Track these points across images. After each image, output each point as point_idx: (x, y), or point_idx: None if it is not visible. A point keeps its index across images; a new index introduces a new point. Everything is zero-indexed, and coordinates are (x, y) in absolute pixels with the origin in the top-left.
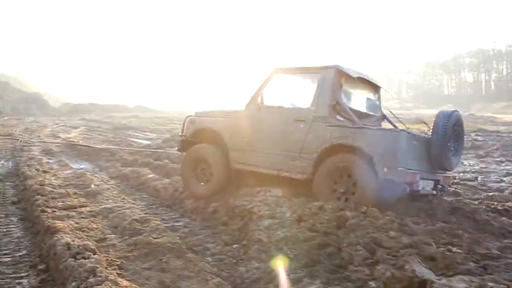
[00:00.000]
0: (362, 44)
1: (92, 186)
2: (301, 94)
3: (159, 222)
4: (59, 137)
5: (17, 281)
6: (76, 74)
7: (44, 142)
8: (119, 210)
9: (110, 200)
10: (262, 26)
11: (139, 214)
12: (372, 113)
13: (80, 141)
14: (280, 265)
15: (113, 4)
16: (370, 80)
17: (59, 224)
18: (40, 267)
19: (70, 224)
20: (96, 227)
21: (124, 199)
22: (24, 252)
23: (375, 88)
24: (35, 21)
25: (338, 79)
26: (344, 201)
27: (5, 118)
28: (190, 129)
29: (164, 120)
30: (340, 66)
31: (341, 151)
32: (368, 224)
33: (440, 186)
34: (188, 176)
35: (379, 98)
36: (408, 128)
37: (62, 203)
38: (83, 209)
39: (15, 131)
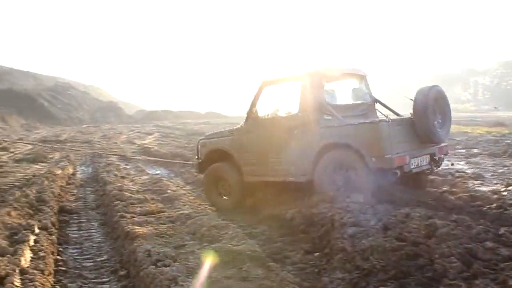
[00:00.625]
0: (435, 45)
1: (169, 191)
2: (289, 102)
3: (237, 229)
4: (135, 143)
5: (100, 286)
6: (150, 82)
7: (120, 151)
8: (196, 216)
9: (187, 206)
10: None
11: (217, 220)
12: (361, 101)
13: (155, 147)
14: None
15: (185, 13)
16: (352, 71)
17: (138, 230)
18: (121, 273)
19: (149, 230)
20: (175, 233)
21: (200, 204)
22: (105, 257)
23: (359, 77)
24: (111, 33)
25: (319, 81)
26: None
27: (84, 126)
28: (203, 152)
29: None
30: (318, 69)
31: (334, 148)
32: (460, 233)
33: (436, 158)
34: (211, 193)
35: (366, 85)
36: (387, 116)
37: (140, 209)
38: (161, 214)
39: (94, 138)
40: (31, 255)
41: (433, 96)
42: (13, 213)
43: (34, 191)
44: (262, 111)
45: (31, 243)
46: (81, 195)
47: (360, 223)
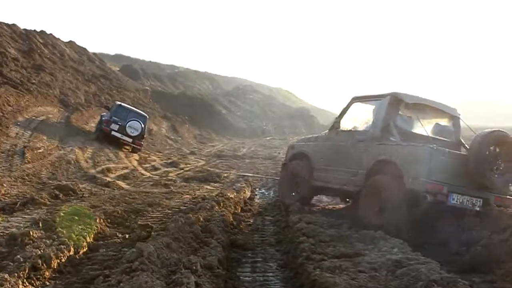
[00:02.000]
0: None
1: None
2: (367, 119)
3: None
4: None
5: None
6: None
7: None
8: (410, 264)
9: (396, 249)
10: None
11: (440, 273)
12: (441, 138)
13: None
14: None
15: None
16: (441, 108)
17: (329, 278)
18: None
19: (344, 280)
20: (379, 286)
21: (413, 245)
22: None
23: (449, 116)
24: (300, 34)
25: (394, 105)
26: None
27: (268, 138)
28: (289, 153)
29: None
30: (397, 93)
31: (384, 165)
32: None
33: (490, 205)
34: (283, 187)
35: (454, 125)
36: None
37: (333, 248)
38: (360, 258)
39: (279, 153)
40: None
41: (490, 141)
42: (173, 245)
43: (201, 219)
44: (346, 124)
45: (191, 286)
46: (258, 226)
47: None
